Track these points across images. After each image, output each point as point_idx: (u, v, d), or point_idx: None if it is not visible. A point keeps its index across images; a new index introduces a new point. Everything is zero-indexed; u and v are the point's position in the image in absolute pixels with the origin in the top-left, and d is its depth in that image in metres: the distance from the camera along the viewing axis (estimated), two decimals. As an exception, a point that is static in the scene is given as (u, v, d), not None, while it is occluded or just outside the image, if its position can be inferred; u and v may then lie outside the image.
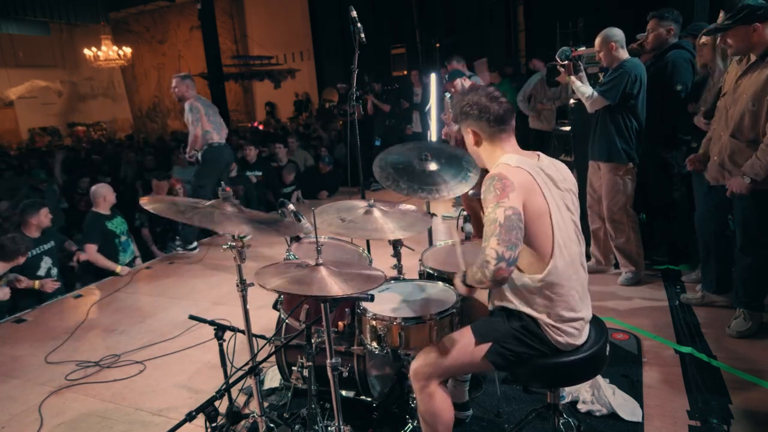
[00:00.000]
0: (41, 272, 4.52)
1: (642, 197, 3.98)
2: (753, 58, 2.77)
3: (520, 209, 1.70)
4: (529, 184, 1.76)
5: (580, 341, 1.85)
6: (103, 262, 5.02)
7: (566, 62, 3.69)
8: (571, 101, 4.39)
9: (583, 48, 4.24)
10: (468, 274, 1.81)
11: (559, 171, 1.88)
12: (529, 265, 1.79)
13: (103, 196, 5.12)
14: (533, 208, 1.74)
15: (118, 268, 5.08)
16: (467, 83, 4.86)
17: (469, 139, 1.94)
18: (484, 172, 1.97)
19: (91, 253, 4.95)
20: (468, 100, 1.87)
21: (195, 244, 5.70)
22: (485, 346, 1.83)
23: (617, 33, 3.58)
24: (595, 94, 3.54)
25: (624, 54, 3.59)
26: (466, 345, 1.85)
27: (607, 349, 1.93)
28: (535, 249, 1.77)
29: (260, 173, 7.34)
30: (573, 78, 3.63)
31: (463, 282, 1.87)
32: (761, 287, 3.02)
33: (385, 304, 2.14)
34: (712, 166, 3.04)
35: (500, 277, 1.65)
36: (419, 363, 1.88)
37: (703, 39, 3.33)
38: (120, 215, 5.33)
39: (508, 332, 1.82)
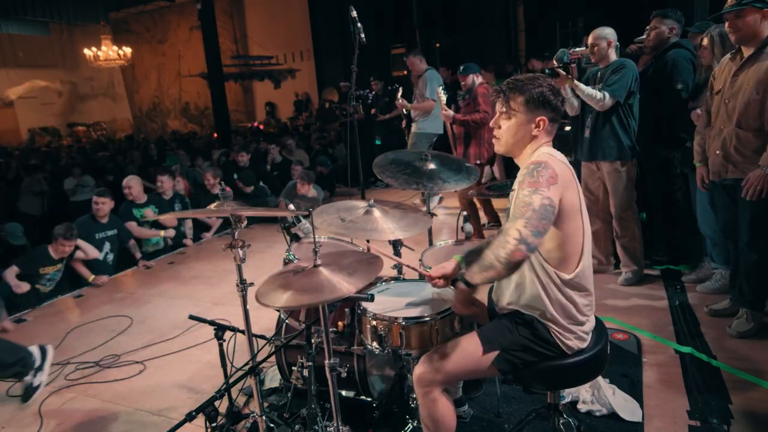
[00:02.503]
0: (100, 256, 4.94)
1: (642, 197, 3.99)
2: (746, 53, 2.79)
3: (557, 203, 1.66)
4: (570, 180, 1.73)
5: (586, 344, 1.85)
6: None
7: (571, 65, 3.69)
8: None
9: (583, 48, 4.24)
10: (473, 268, 1.72)
11: None
12: (560, 261, 1.75)
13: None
14: (570, 205, 1.71)
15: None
16: (479, 80, 4.89)
17: (529, 127, 1.80)
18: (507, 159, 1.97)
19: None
20: (554, 88, 1.79)
21: None
22: (492, 354, 1.81)
23: (613, 32, 3.64)
24: (606, 95, 3.52)
25: (614, 55, 3.65)
26: (472, 352, 1.82)
27: (608, 349, 1.94)
28: (566, 247, 1.74)
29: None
30: (577, 82, 3.61)
31: (462, 279, 1.78)
32: (766, 286, 2.98)
33: (385, 304, 2.14)
34: (714, 160, 3.02)
35: (516, 259, 1.57)
36: (423, 369, 1.85)
37: (705, 41, 3.34)
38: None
39: (517, 340, 1.80)
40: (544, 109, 1.78)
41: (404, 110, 6.15)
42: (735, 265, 3.17)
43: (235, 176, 7.03)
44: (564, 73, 3.60)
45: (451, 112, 4.74)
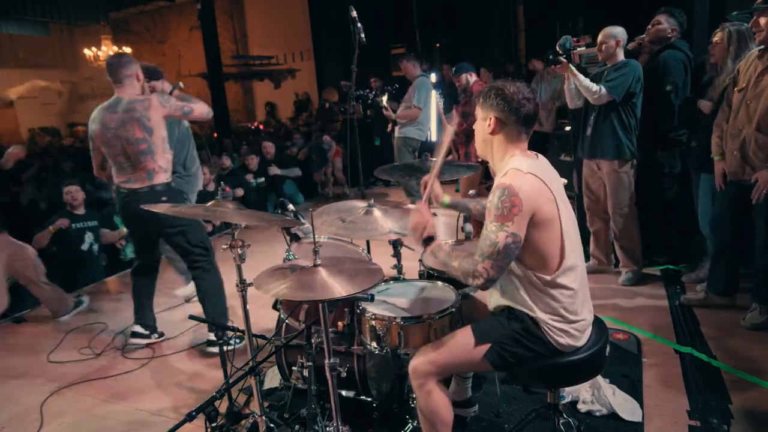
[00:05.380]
0: (84, 246, 4.91)
1: (640, 197, 3.99)
2: None
3: (522, 235, 1.71)
4: (540, 192, 1.74)
5: (580, 343, 1.85)
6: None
7: (573, 51, 3.70)
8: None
9: (583, 48, 4.23)
10: (441, 254, 1.89)
11: (554, 172, 1.90)
12: (538, 265, 1.78)
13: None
14: (543, 216, 1.73)
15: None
16: (473, 78, 4.90)
17: (484, 126, 1.87)
18: (484, 162, 2.01)
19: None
20: (508, 89, 1.81)
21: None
22: (484, 347, 1.83)
23: (623, 32, 3.63)
24: (603, 89, 3.53)
25: (621, 55, 3.64)
26: (465, 344, 1.85)
27: (607, 349, 1.93)
28: (544, 253, 1.77)
29: (263, 179, 7.24)
30: (576, 71, 3.62)
31: (432, 245, 1.96)
32: None
33: (385, 304, 2.14)
34: (731, 160, 3.01)
35: (478, 287, 1.78)
36: (418, 360, 1.89)
37: (716, 37, 3.31)
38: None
39: (508, 334, 1.83)
40: (493, 108, 1.84)
41: (390, 115, 6.17)
42: (716, 258, 3.29)
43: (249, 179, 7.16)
44: (565, 60, 3.60)
45: (455, 118, 4.77)
